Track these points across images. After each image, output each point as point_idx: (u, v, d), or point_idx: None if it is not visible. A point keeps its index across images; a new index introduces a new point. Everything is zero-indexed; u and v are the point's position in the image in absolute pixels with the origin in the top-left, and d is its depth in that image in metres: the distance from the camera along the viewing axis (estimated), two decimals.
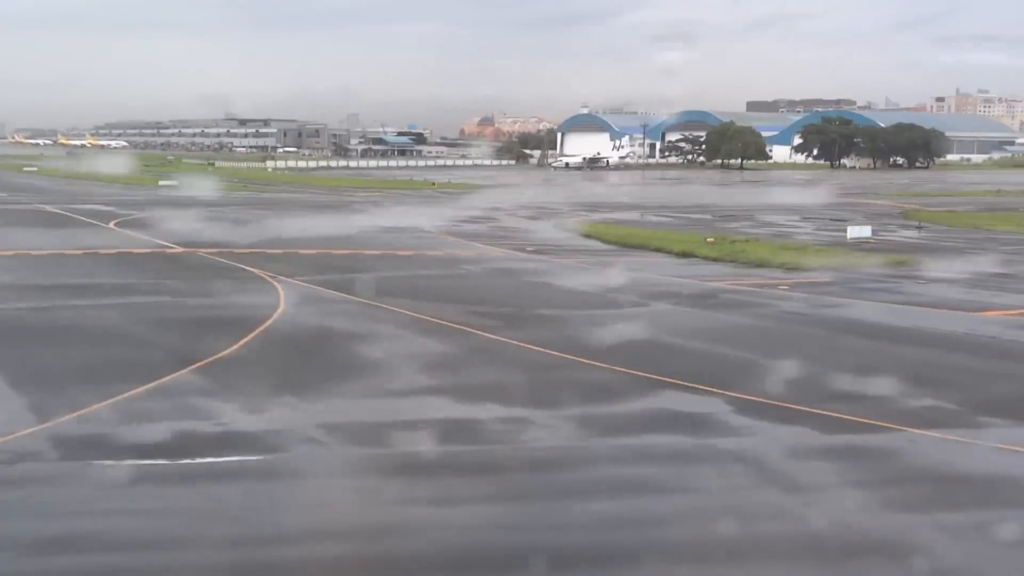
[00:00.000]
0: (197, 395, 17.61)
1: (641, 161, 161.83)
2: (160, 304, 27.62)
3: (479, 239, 46.22)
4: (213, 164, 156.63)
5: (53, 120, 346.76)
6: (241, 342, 21.76)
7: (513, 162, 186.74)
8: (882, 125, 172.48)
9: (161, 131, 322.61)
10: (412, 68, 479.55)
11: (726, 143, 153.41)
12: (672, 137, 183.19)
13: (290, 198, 78.29)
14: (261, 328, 23.40)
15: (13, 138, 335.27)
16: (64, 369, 19.55)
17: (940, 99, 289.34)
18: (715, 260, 39.26)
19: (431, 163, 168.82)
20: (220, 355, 20.50)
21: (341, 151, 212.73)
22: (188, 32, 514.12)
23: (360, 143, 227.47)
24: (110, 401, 16.86)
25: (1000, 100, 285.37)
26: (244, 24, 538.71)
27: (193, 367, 19.34)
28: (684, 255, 40.70)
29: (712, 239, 44.30)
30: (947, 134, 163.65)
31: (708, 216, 61.78)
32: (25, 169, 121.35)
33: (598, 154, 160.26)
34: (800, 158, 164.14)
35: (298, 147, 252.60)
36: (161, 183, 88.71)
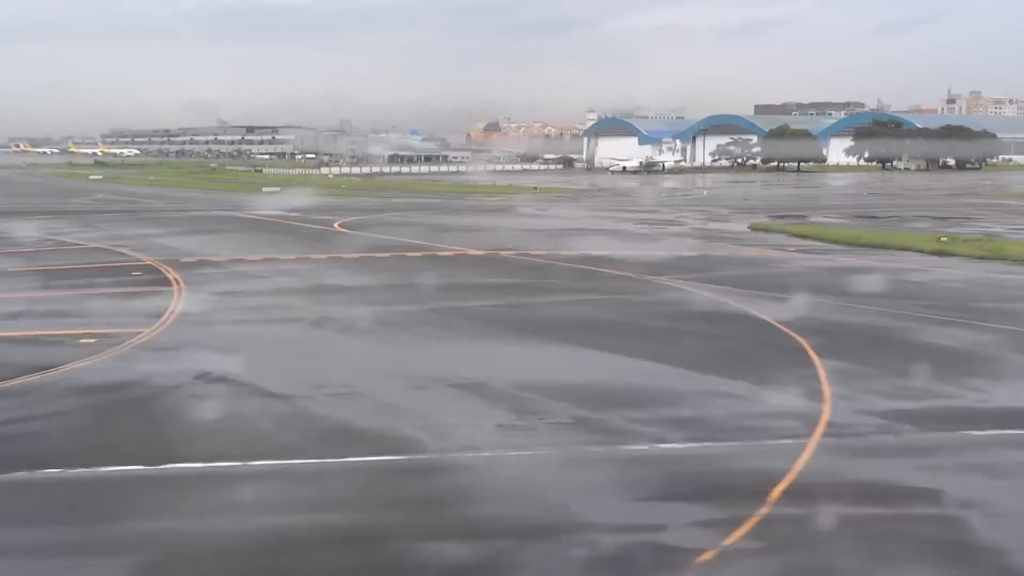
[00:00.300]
0: None
1: (691, 165, 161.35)
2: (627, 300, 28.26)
3: (739, 241, 46.68)
4: (260, 170, 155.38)
5: (33, 128, 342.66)
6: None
7: (560, 166, 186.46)
8: (919, 126, 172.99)
9: (171, 139, 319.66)
10: (398, 75, 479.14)
11: (782, 146, 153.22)
12: (718, 141, 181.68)
13: (446, 203, 77.26)
14: None
15: (17, 147, 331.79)
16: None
17: (951, 101, 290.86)
18: (981, 258, 38.65)
19: (473, 167, 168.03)
20: None
21: (366, 158, 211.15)
22: (170, 43, 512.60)
23: (386, 150, 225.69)
24: None
25: (1010, 101, 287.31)
26: (225, 35, 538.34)
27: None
28: (941, 254, 40.08)
29: (945, 238, 43.73)
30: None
31: (873, 217, 61.13)
32: (91, 177, 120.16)
33: (651, 158, 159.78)
34: (851, 160, 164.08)
35: (316, 154, 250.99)
36: (265, 190, 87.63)
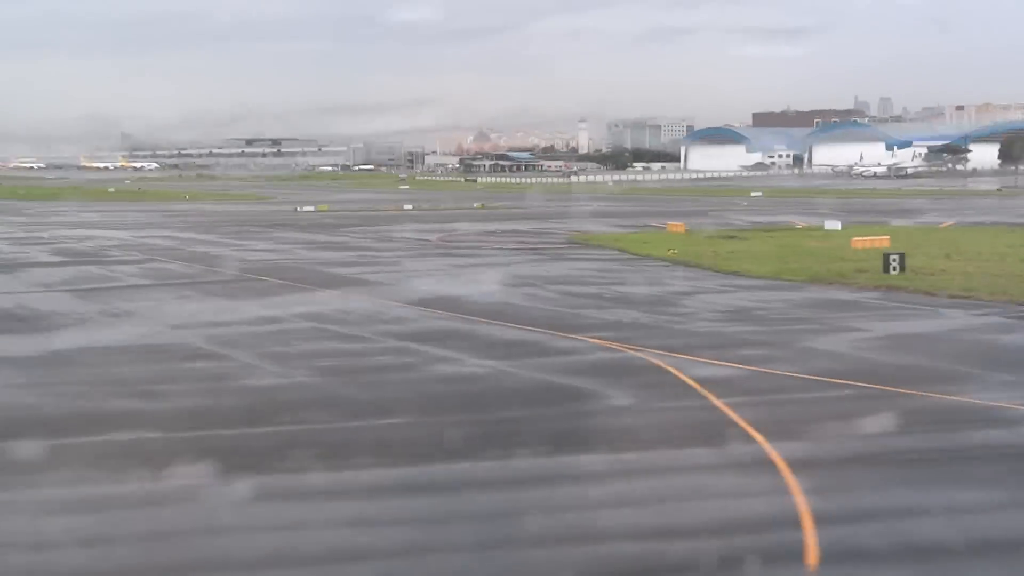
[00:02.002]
0: None
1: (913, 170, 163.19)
2: None
3: None
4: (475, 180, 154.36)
5: None
6: None
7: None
8: None
9: (181, 152, 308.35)
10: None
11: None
12: (838, 151, 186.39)
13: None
14: None
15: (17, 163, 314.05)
16: None
17: (959, 107, 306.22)
18: None
19: (584, 178, 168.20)
20: None
21: (468, 168, 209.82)
22: (74, 53, 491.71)
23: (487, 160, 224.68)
24: None
25: (1017, 106, 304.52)
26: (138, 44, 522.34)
27: None
28: None
29: None
30: None
31: None
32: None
33: (898, 164, 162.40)
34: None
35: (375, 166, 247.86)
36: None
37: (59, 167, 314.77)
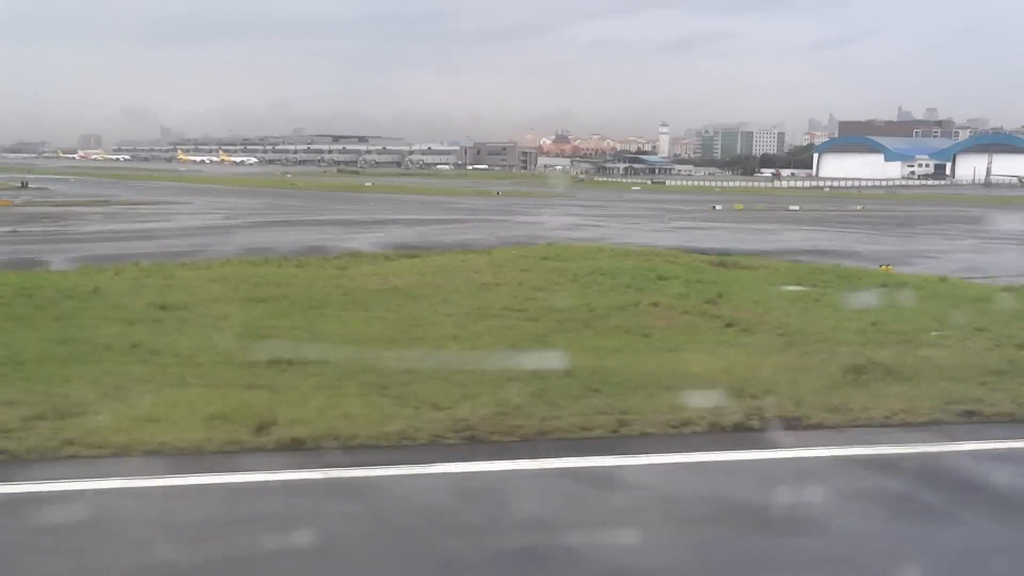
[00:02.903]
0: None
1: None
2: None
3: None
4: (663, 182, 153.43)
5: None
6: None
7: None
8: None
9: (248, 146, 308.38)
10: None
11: None
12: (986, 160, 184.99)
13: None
14: None
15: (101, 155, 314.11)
16: None
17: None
18: None
19: (730, 183, 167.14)
20: None
21: (601, 170, 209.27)
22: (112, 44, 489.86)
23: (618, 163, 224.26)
24: None
25: None
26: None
27: None
28: None
29: None
30: None
31: None
32: (367, 185, 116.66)
33: None
34: None
35: (489, 165, 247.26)
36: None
37: (145, 159, 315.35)
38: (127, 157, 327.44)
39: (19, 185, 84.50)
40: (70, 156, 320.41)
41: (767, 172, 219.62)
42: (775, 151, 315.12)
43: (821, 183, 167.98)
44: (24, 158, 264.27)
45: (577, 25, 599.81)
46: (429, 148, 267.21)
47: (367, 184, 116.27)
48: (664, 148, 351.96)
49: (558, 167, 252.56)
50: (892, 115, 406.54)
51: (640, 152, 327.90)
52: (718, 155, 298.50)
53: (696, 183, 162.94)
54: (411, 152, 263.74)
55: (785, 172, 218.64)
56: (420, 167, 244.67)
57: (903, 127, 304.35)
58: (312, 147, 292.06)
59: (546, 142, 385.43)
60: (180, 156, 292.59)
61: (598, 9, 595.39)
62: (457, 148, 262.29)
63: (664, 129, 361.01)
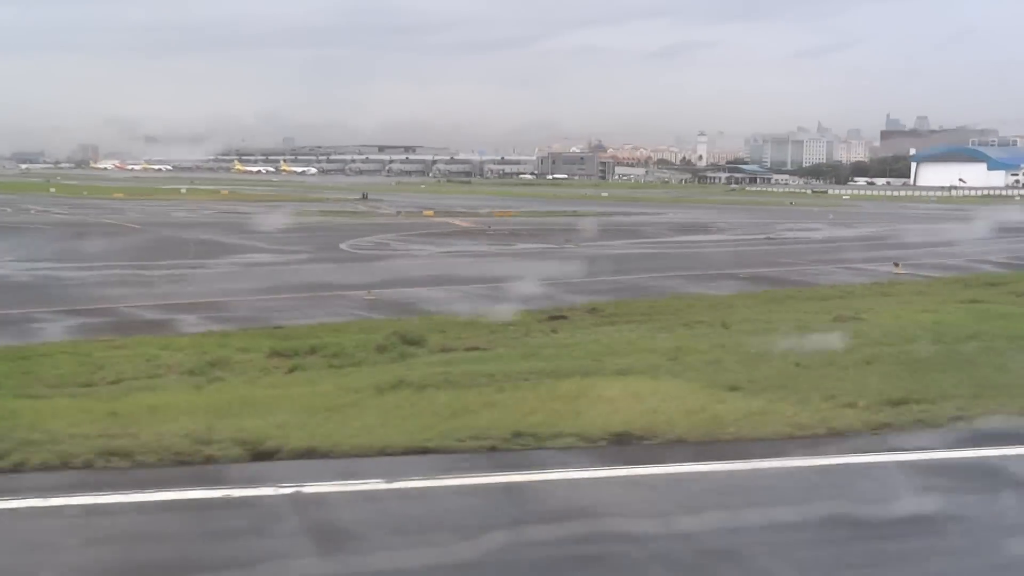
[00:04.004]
0: None
1: None
2: None
3: None
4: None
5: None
6: None
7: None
8: None
9: (331, 158, 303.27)
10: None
11: None
12: None
13: None
14: None
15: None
16: None
17: None
18: None
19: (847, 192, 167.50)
20: None
21: (699, 178, 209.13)
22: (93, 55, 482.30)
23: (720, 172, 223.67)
24: None
25: None
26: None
27: None
28: None
29: None
30: None
31: None
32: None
33: None
34: None
35: (568, 175, 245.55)
36: None
37: (187, 168, 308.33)
38: (169, 167, 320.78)
39: (361, 197, 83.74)
40: (101, 168, 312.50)
41: (861, 181, 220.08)
42: (824, 159, 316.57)
43: (941, 192, 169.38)
44: (49, 168, 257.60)
45: (564, 34, 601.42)
46: (503, 158, 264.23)
47: (603, 194, 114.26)
48: (703, 156, 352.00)
49: (631, 177, 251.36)
50: (880, 123, 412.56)
51: (685, 160, 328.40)
52: (768, 164, 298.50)
53: (844, 192, 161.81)
54: (482, 162, 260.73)
55: (880, 181, 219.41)
56: (499, 176, 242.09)
57: (953, 136, 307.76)
58: (372, 157, 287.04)
59: (575, 151, 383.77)
60: (237, 167, 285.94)
61: (585, 17, 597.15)
62: (534, 158, 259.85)
63: (702, 138, 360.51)
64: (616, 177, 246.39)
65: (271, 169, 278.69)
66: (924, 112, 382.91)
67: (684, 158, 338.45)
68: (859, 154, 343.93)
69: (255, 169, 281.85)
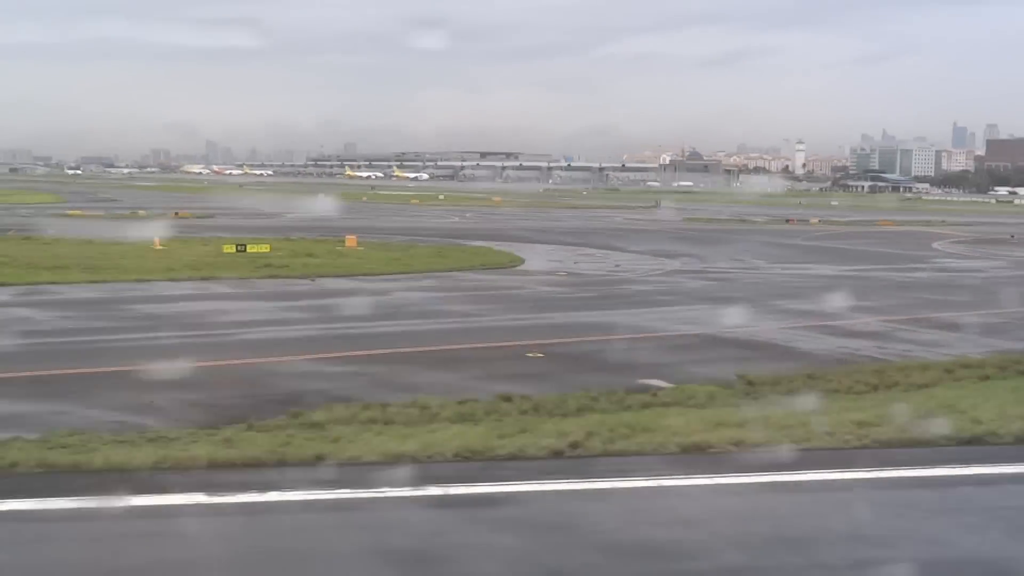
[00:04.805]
0: None
1: None
2: None
3: None
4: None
5: None
6: None
7: None
8: None
9: (404, 162, 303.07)
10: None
11: None
12: None
13: None
14: None
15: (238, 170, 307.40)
16: None
17: None
18: None
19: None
20: None
21: (843, 185, 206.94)
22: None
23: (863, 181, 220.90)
24: None
25: None
26: None
27: None
28: None
29: None
30: None
31: None
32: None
33: None
34: None
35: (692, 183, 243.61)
36: None
37: (288, 173, 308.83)
38: (270, 173, 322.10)
39: (654, 205, 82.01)
40: (197, 172, 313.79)
41: (1002, 191, 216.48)
42: (932, 170, 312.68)
43: None
44: (135, 171, 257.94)
45: (619, 41, 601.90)
46: (623, 165, 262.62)
47: (833, 203, 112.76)
48: (799, 165, 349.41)
49: (755, 185, 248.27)
50: (947, 131, 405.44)
51: (764, 170, 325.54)
52: (878, 171, 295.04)
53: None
54: (549, 167, 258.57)
55: (1021, 191, 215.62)
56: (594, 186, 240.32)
57: None
58: (481, 164, 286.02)
59: (665, 159, 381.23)
60: (348, 173, 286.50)
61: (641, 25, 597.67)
62: (655, 166, 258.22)
63: (800, 146, 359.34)
64: (738, 184, 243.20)
65: (380, 175, 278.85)
66: (993, 120, 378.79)
67: (786, 167, 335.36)
68: (960, 163, 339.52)
69: (364, 175, 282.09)
